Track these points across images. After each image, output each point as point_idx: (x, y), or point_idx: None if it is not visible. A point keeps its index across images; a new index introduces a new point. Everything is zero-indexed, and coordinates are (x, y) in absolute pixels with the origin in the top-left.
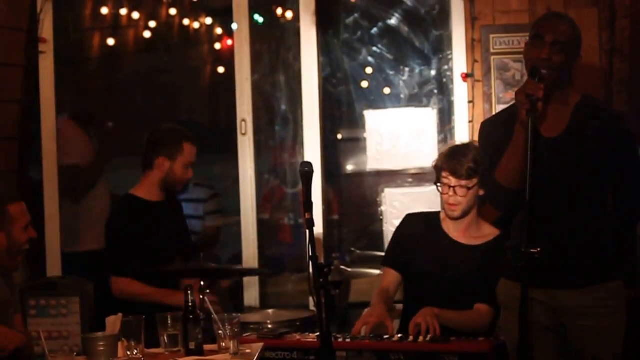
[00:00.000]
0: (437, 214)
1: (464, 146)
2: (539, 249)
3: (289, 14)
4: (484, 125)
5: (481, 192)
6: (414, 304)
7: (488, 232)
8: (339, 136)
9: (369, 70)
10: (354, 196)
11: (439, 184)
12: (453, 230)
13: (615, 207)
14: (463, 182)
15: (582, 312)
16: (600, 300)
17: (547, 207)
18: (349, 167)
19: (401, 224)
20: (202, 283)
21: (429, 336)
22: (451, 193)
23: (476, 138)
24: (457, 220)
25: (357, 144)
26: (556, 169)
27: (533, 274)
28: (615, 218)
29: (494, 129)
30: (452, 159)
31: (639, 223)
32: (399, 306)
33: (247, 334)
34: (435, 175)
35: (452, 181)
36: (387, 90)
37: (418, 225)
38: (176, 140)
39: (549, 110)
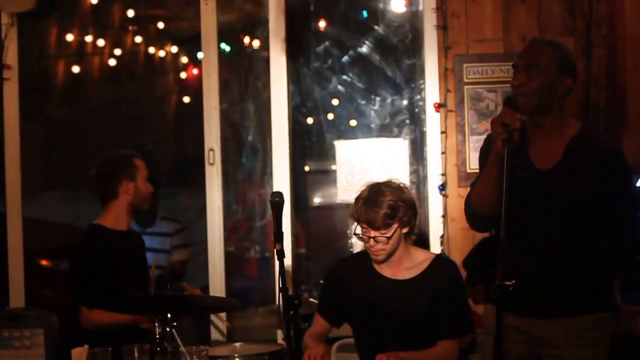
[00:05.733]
0: (366, 253)
1: (378, 191)
2: (513, 281)
3: (256, 43)
4: (487, 139)
5: (405, 230)
6: (371, 351)
7: (422, 259)
8: (306, 168)
9: (339, 99)
10: (323, 229)
11: (358, 233)
12: (385, 268)
13: (605, 244)
14: (381, 232)
15: (559, 342)
16: (580, 331)
17: (534, 237)
18: (318, 200)
19: (331, 271)
20: (169, 315)
21: None
22: (372, 243)
23: (449, 169)
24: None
25: (326, 176)
26: (546, 201)
27: (513, 304)
28: (604, 255)
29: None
30: (367, 210)
31: (627, 263)
32: None
33: None
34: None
35: (371, 232)
36: (357, 121)
37: (348, 270)
38: (129, 161)
39: (543, 140)
